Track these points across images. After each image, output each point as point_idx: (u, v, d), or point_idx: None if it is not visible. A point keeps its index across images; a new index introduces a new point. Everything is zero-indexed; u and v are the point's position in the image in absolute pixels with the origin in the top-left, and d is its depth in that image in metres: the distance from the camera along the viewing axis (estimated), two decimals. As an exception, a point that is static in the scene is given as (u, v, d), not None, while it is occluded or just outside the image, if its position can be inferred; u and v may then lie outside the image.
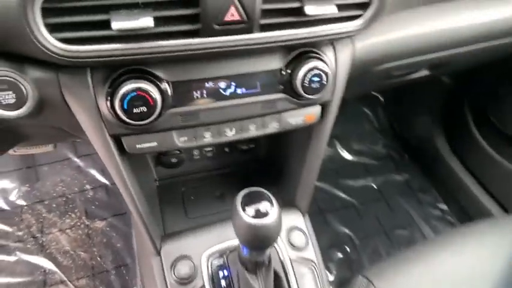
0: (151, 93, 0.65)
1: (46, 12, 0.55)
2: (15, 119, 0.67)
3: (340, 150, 2.25)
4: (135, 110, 0.66)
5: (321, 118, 0.88)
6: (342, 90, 0.86)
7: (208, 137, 0.79)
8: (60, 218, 1.71)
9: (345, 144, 2.26)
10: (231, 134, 0.80)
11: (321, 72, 0.76)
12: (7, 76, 0.64)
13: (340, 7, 0.70)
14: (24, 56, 0.62)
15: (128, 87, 0.64)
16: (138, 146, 0.75)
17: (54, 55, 0.58)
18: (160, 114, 0.69)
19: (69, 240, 1.64)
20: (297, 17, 0.68)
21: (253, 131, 0.82)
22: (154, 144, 0.75)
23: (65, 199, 1.76)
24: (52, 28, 0.57)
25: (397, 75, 1.13)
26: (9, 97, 0.66)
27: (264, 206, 0.65)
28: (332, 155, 2.22)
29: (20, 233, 1.64)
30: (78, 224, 1.70)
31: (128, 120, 0.66)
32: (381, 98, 2.42)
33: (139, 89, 0.65)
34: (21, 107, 0.67)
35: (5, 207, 1.70)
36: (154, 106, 0.66)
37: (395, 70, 1.06)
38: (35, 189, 1.76)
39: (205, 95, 0.73)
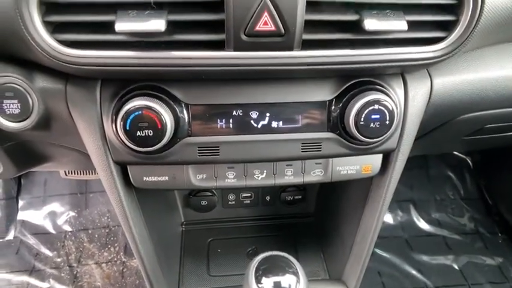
0: (160, 115, 0.53)
1: (44, 8, 0.47)
2: (19, 132, 0.60)
3: (415, 218, 1.92)
4: (138, 133, 0.53)
5: (382, 171, 0.68)
6: (411, 138, 0.65)
7: (231, 178, 0.63)
8: (99, 250, 1.65)
9: (422, 211, 1.94)
10: (260, 177, 0.64)
11: (383, 108, 0.57)
12: (14, 83, 0.57)
13: (414, 24, 0.53)
14: (32, 64, 0.55)
15: (132, 104, 0.53)
16: (145, 178, 0.62)
17: (54, 61, 0.50)
18: (172, 143, 0.56)
19: (103, 276, 1.56)
20: (352, 33, 0.52)
21: (289, 177, 0.65)
22: (164, 179, 0.62)
23: (108, 231, 1.71)
24: (53, 29, 0.49)
25: (492, 130, 0.87)
26: (14, 106, 0.59)
27: (287, 280, 0.47)
28: (404, 221, 1.90)
29: (58, 260, 1.62)
30: (115, 259, 1.62)
31: (130, 144, 0.54)
32: (469, 161, 2.06)
33: (145, 107, 0.53)
34: (25, 119, 0.60)
35: (51, 230, 1.71)
36: (163, 130, 0.54)
37: (488, 122, 0.81)
38: (82, 216, 1.74)
39: (230, 125, 0.59)
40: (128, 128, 0.53)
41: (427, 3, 0.53)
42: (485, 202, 1.99)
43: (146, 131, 0.53)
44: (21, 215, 1.72)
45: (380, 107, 0.57)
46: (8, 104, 0.58)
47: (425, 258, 1.74)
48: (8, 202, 1.71)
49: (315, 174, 0.65)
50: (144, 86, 0.56)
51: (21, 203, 1.74)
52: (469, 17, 0.53)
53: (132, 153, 0.57)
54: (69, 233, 1.70)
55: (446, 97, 0.67)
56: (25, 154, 0.75)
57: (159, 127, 0.53)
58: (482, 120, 0.79)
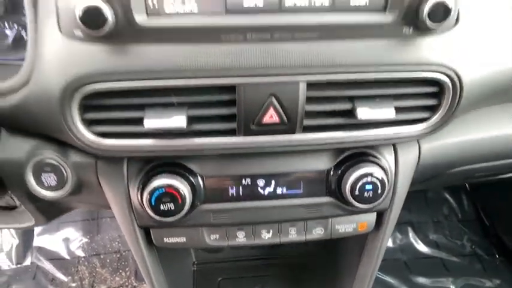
0: (180, 190, 0.61)
1: (84, 108, 0.56)
2: (55, 199, 0.68)
3: (413, 240, 1.97)
4: (162, 207, 0.61)
5: (376, 226, 0.75)
6: (402, 198, 0.73)
7: (241, 238, 0.71)
8: (111, 274, 1.72)
9: (420, 233, 1.98)
10: (267, 236, 0.72)
11: (376, 180, 0.65)
12: (51, 159, 0.66)
13: (401, 109, 0.60)
14: (67, 143, 0.63)
15: (156, 183, 0.61)
16: (166, 240, 0.70)
17: (89, 148, 0.58)
18: (189, 211, 0.64)
19: (115, 300, 1.63)
20: (347, 118, 0.60)
21: (293, 235, 0.73)
22: (183, 240, 0.70)
23: (119, 256, 1.79)
24: (89, 123, 0.57)
25: (484, 175, 0.95)
26: (51, 179, 0.67)
27: None
28: (403, 244, 1.95)
29: (73, 285, 1.69)
30: (127, 284, 1.69)
31: (154, 215, 0.62)
32: (466, 183, 2.13)
33: (168, 185, 0.61)
34: (61, 189, 0.68)
35: (66, 256, 1.78)
36: (183, 204, 0.62)
37: (477, 172, 0.89)
38: (94, 241, 1.82)
39: (240, 193, 0.67)
40: (153, 204, 0.61)
41: (414, 93, 0.60)
42: (483, 224, 2.04)
43: (168, 204, 0.61)
44: (37, 241, 1.80)
45: (373, 179, 0.65)
46: (46, 177, 0.67)
47: (424, 280, 1.79)
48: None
49: (316, 233, 0.72)
50: (165, 163, 0.64)
51: (37, 229, 1.82)
52: (450, 100, 0.61)
53: (155, 221, 0.65)
54: (83, 258, 1.77)
55: (435, 159, 0.74)
56: (55, 209, 0.83)
57: (180, 202, 0.61)
58: (474, 171, 0.86)
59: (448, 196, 2.12)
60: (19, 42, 0.75)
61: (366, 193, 0.65)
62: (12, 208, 0.88)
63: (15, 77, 0.57)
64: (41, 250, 1.79)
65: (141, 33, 0.51)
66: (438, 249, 1.94)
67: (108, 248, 1.80)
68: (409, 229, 1.99)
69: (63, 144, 0.64)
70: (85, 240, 1.82)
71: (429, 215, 2.06)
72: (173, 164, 0.64)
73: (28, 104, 0.57)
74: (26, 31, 0.74)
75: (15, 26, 0.74)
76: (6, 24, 0.74)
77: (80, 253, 1.79)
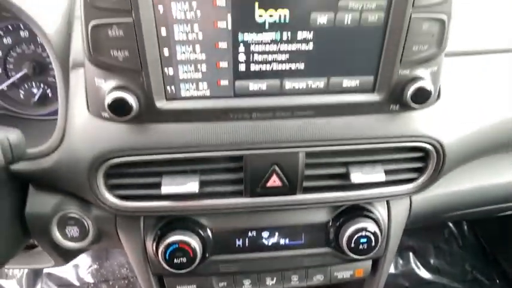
0: (192, 246, 0.68)
1: (107, 175, 0.63)
2: (77, 249, 0.75)
3: (415, 266, 2.00)
4: (175, 261, 0.68)
5: (372, 272, 0.81)
6: (395, 245, 0.79)
7: (247, 285, 0.78)
8: (119, 301, 1.77)
9: (422, 259, 2.01)
10: (271, 283, 0.78)
11: (370, 234, 0.71)
12: (75, 214, 0.73)
13: (391, 172, 0.67)
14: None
15: (171, 239, 0.68)
16: (178, 286, 0.76)
17: (110, 209, 0.65)
18: (200, 262, 0.70)
19: (123, 327, 1.68)
20: (342, 180, 0.67)
21: (295, 282, 0.79)
22: (193, 287, 0.76)
23: (127, 282, 1.84)
24: (111, 187, 0.64)
25: (477, 216, 1.01)
26: (74, 231, 0.74)
27: None
28: (405, 270, 1.98)
29: (82, 311, 1.74)
30: (134, 310, 1.74)
31: (167, 267, 0.69)
32: (466, 211, 2.16)
33: (181, 241, 0.68)
34: (83, 240, 0.75)
35: (75, 282, 1.84)
36: (194, 257, 0.68)
37: (470, 215, 0.95)
38: (103, 267, 1.88)
39: (246, 244, 0.74)
40: (167, 258, 0.68)
41: (402, 158, 0.67)
42: (483, 249, 2.08)
43: (181, 258, 0.68)
44: (47, 268, 1.86)
45: (367, 233, 0.71)
46: (69, 230, 0.74)
47: (426, 306, 1.82)
48: (36, 256, 1.86)
49: (316, 279, 0.79)
50: (178, 218, 0.71)
51: (47, 256, 1.88)
52: (435, 164, 0.68)
53: (168, 271, 0.71)
54: (92, 285, 1.83)
55: (426, 209, 0.81)
56: (73, 252, 0.90)
57: (191, 255, 0.68)
58: (466, 215, 0.92)
59: (448, 222, 2.17)
60: (44, 100, 0.83)
61: (361, 245, 0.71)
62: (31, 247, 0.94)
63: (46, 144, 0.65)
64: (50, 276, 1.84)
65: (161, 115, 0.59)
66: (440, 275, 1.97)
67: (116, 274, 1.86)
68: (411, 255, 2.03)
69: (86, 202, 0.71)
70: (94, 266, 1.87)
71: (430, 240, 2.09)
72: (186, 219, 0.71)
73: (57, 169, 0.64)
74: (51, 90, 0.83)
75: (42, 85, 0.82)
76: (34, 84, 0.83)
77: (89, 279, 1.84)
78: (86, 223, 0.74)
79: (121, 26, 0.51)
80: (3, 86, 0.82)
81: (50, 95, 0.84)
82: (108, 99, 0.54)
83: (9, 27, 0.78)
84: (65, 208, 0.72)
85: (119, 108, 0.55)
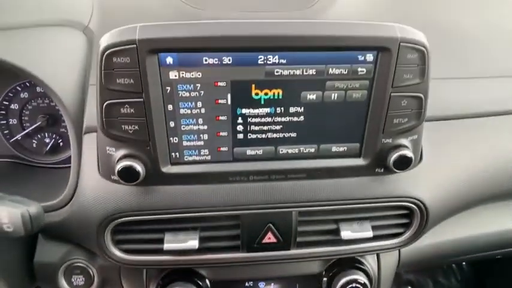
0: None
1: (114, 232, 0.68)
2: None
3: (413, 300, 2.01)
4: None
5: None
6: (386, 292, 0.84)
7: None
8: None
9: (420, 293, 2.02)
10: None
11: (360, 286, 0.75)
12: (81, 263, 0.78)
13: (378, 228, 0.72)
14: None
15: None
16: None
17: (115, 261, 0.70)
18: None
19: None
20: (333, 236, 0.72)
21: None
22: None
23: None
24: (117, 242, 0.69)
25: (465, 261, 1.05)
26: (80, 279, 0.79)
27: None
28: (404, 304, 1.99)
29: None
30: None
31: None
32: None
33: (181, 293, 0.72)
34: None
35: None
36: None
37: (459, 261, 0.99)
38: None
39: (244, 294, 0.78)
40: (167, 309, 0.72)
41: (388, 215, 0.72)
42: (482, 284, 2.08)
43: None
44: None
45: (358, 285, 0.75)
46: (75, 278, 0.78)
47: None
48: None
49: None
50: (179, 269, 0.76)
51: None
52: (419, 220, 0.73)
53: None
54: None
55: (414, 259, 0.85)
56: None
57: None
58: (457, 260, 0.96)
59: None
60: (56, 149, 0.89)
61: (352, 297, 0.76)
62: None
63: (57, 199, 0.70)
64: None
65: (165, 178, 0.64)
66: (439, 311, 1.97)
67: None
68: (409, 290, 2.03)
69: (92, 252, 0.76)
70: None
71: (429, 275, 2.10)
72: (186, 270, 0.76)
73: (67, 224, 0.69)
74: (62, 140, 0.89)
75: (54, 135, 0.89)
76: (46, 134, 0.89)
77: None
78: (91, 272, 0.78)
79: (132, 105, 0.57)
80: (18, 137, 0.88)
81: (61, 144, 0.90)
82: (118, 167, 0.60)
83: (27, 83, 0.85)
84: (72, 258, 0.77)
85: (127, 175, 0.60)
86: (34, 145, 0.89)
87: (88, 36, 0.77)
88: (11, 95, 0.85)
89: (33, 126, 0.87)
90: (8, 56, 0.64)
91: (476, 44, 0.85)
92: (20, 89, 0.86)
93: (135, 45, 0.53)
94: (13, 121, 0.88)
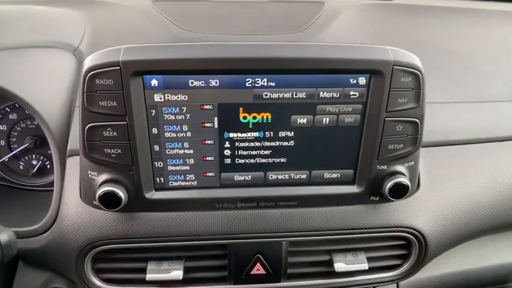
0: None
1: (94, 260, 0.65)
2: None
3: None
4: None
5: None
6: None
7: None
8: None
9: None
10: None
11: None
12: (63, 291, 0.74)
13: (374, 259, 0.68)
14: None
15: None
16: None
17: None
18: None
19: None
20: (326, 267, 0.68)
21: None
22: None
23: None
24: (97, 271, 0.66)
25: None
26: (60, 308, 0.74)
27: None
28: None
29: None
30: None
31: None
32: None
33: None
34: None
35: None
36: None
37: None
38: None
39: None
40: None
41: (385, 245, 0.69)
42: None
43: None
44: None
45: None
46: (56, 306, 0.74)
47: None
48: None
49: None
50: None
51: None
52: (417, 251, 0.69)
53: None
54: None
55: None
56: None
57: None
58: None
59: None
60: (43, 171, 0.87)
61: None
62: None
63: (38, 224, 0.67)
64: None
65: (149, 204, 0.61)
66: None
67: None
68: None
69: (72, 281, 0.72)
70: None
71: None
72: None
73: (46, 250, 0.66)
74: (50, 162, 0.86)
75: (41, 157, 0.86)
76: (34, 156, 0.86)
77: None
78: (72, 300, 0.74)
79: (115, 128, 0.55)
80: (6, 158, 0.86)
81: (48, 166, 0.87)
82: (99, 192, 0.57)
83: (16, 105, 0.84)
84: (52, 286, 0.73)
85: (109, 200, 0.57)
86: (21, 167, 0.87)
87: (78, 58, 0.76)
88: (0, 116, 0.84)
89: (20, 148, 0.85)
90: None
91: (472, 68, 0.84)
92: (9, 110, 0.84)
93: (118, 67, 0.52)
94: (1, 142, 0.86)
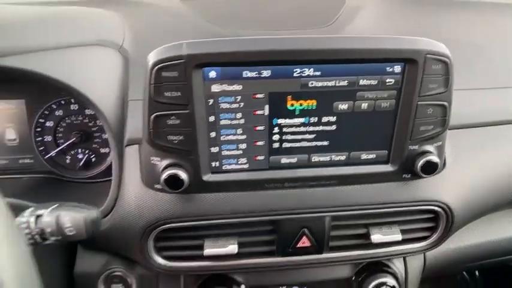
0: None
1: (156, 239, 0.71)
2: None
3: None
4: None
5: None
6: (415, 297, 0.86)
7: None
8: None
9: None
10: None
11: (389, 288, 0.78)
12: (120, 272, 0.80)
13: (406, 231, 0.75)
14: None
15: None
16: None
17: (157, 269, 0.73)
18: None
19: None
20: (364, 240, 0.75)
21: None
22: None
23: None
24: (158, 249, 0.72)
25: (490, 265, 1.06)
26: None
27: None
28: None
29: None
30: None
31: None
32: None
33: (219, 298, 0.75)
34: (125, 298, 0.82)
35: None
36: None
37: (483, 266, 1.01)
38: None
39: (277, 299, 0.80)
40: (208, 313, 0.74)
41: (415, 219, 0.76)
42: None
43: None
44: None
45: (387, 287, 0.78)
46: (114, 287, 0.81)
47: None
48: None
49: None
50: (215, 276, 0.78)
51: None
52: (445, 223, 0.76)
53: None
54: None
55: (439, 263, 0.87)
56: None
57: None
58: (479, 267, 0.98)
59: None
60: (88, 164, 0.93)
61: (382, 300, 0.78)
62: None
63: (100, 208, 0.73)
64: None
65: (206, 186, 0.68)
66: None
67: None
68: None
69: (131, 261, 0.79)
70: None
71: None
72: (221, 276, 0.78)
73: (109, 234, 0.73)
74: (95, 155, 0.93)
75: (86, 151, 0.93)
76: (80, 150, 0.93)
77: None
78: (129, 281, 0.81)
79: (179, 116, 0.61)
80: (53, 153, 0.92)
81: (93, 160, 0.94)
82: (164, 175, 0.64)
83: (62, 101, 0.90)
84: (111, 267, 0.80)
85: (173, 183, 0.64)
86: (68, 161, 0.93)
87: (123, 55, 0.82)
88: (47, 112, 0.90)
89: (67, 143, 0.91)
90: (56, 74, 0.69)
91: (491, 55, 0.90)
92: (55, 106, 0.90)
93: (183, 60, 0.58)
94: (48, 138, 0.92)
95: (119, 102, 0.75)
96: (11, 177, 0.91)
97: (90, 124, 0.92)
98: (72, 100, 0.90)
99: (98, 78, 0.75)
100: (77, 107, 0.91)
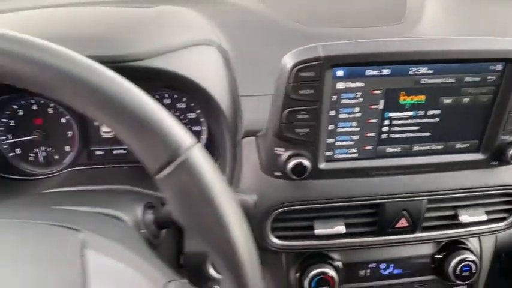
0: (333, 276, 0.83)
1: (273, 220, 0.79)
2: None
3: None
4: None
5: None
6: (486, 273, 0.95)
7: None
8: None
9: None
10: (385, 308, 0.93)
11: (470, 263, 0.87)
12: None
13: (489, 213, 0.84)
14: None
15: (315, 271, 0.83)
16: None
17: (270, 247, 0.81)
18: None
19: None
20: (452, 220, 0.84)
21: (405, 305, 0.94)
22: None
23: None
24: (273, 229, 0.80)
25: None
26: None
27: None
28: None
29: None
30: None
31: None
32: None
33: (323, 273, 0.83)
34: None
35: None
36: (334, 285, 0.84)
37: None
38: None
39: (367, 274, 0.89)
40: (312, 287, 0.83)
41: (498, 201, 0.84)
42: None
43: (324, 287, 0.83)
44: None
45: (468, 262, 0.87)
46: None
47: None
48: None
49: None
50: (314, 254, 0.87)
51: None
52: None
53: None
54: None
55: (507, 242, 0.97)
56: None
57: (332, 284, 0.83)
58: None
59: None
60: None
61: (464, 273, 0.87)
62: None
63: None
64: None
65: (320, 174, 0.75)
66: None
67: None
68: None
69: None
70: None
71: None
72: (320, 254, 0.87)
73: None
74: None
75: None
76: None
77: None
78: (234, 260, 0.89)
79: (308, 111, 0.69)
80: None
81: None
82: (291, 164, 0.71)
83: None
84: None
85: (298, 171, 0.72)
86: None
87: (222, 54, 0.88)
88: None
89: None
90: (189, 74, 0.76)
91: None
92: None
93: (320, 62, 0.65)
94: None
95: (231, 98, 0.82)
96: None
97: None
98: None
99: (214, 76, 0.82)
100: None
